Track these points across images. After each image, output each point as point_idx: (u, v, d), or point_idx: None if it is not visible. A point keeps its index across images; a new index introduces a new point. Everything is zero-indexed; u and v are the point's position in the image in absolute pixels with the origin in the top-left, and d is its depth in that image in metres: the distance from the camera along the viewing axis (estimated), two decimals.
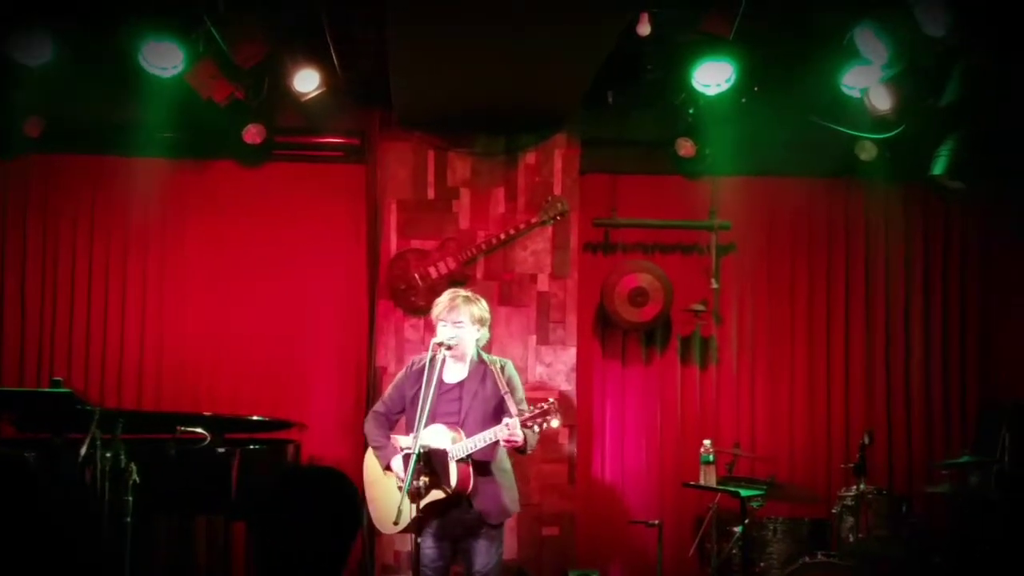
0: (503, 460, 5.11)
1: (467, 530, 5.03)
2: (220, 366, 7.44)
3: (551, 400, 4.87)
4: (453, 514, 4.98)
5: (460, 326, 5.04)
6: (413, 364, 5.23)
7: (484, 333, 5.16)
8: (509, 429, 4.80)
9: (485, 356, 5.16)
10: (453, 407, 5.03)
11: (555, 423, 4.84)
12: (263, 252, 7.50)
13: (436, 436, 4.91)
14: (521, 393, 5.11)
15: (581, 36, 5.70)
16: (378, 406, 5.30)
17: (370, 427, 5.23)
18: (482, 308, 5.13)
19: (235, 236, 7.51)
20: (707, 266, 7.66)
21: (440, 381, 4.98)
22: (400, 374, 5.30)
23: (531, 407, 4.87)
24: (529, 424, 4.82)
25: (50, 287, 7.39)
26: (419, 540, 4.81)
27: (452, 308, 5.05)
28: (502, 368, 5.11)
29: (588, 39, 5.79)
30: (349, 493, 2.34)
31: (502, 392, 4.99)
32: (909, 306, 7.80)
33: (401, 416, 5.24)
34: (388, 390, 5.33)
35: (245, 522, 6.72)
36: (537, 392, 7.03)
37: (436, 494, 4.85)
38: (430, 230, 7.29)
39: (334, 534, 2.36)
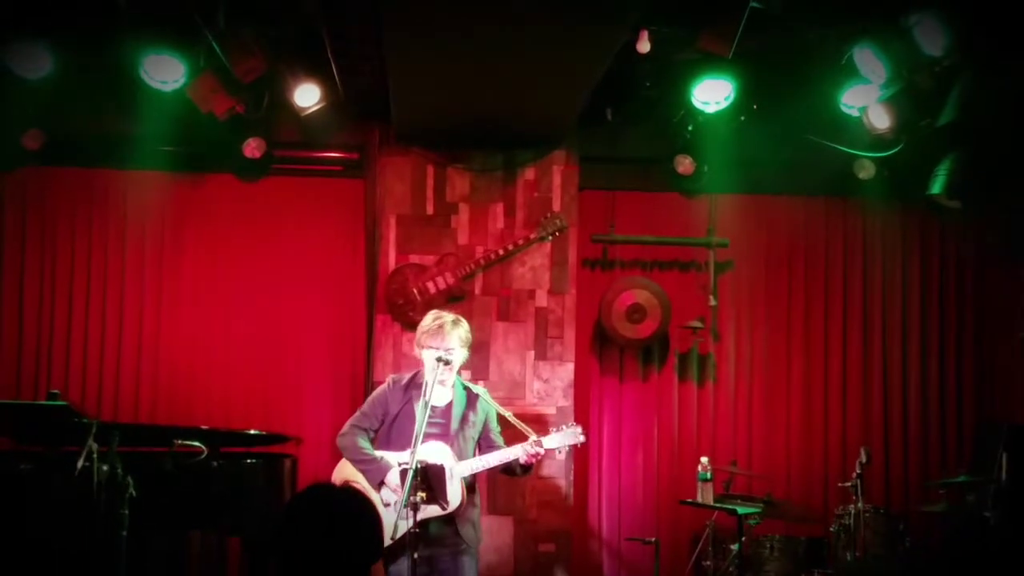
0: (476, 487, 5.20)
1: (448, 550, 5.03)
2: (216, 380, 7.43)
3: (574, 423, 5.07)
4: (432, 535, 4.97)
5: (451, 353, 5.06)
6: (394, 382, 5.23)
7: (466, 354, 5.20)
8: (536, 447, 4.92)
9: (466, 382, 5.23)
10: (441, 429, 5.06)
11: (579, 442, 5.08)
12: (261, 266, 7.50)
13: (436, 453, 4.91)
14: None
15: (579, 53, 5.70)
16: (359, 421, 5.20)
17: (353, 442, 5.14)
18: (467, 329, 5.17)
19: (233, 249, 7.50)
20: (705, 283, 7.67)
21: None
22: (380, 390, 5.27)
23: (554, 429, 5.06)
24: (554, 446, 5.00)
25: (48, 299, 7.37)
26: (415, 555, 4.80)
27: (440, 335, 5.05)
28: (485, 395, 5.22)
29: (586, 56, 5.79)
30: (372, 515, 2.31)
31: (496, 419, 5.17)
32: (906, 325, 7.81)
33: (377, 433, 5.22)
34: (368, 405, 5.27)
35: (241, 539, 6.69)
36: (535, 409, 7.05)
37: (432, 510, 4.85)
38: (429, 245, 7.29)
39: (354, 559, 2.37)
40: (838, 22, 6.30)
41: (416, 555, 4.93)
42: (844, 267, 7.83)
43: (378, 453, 5.10)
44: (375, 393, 5.33)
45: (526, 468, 5.05)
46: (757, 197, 7.81)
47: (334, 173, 7.60)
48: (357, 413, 5.31)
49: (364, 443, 5.14)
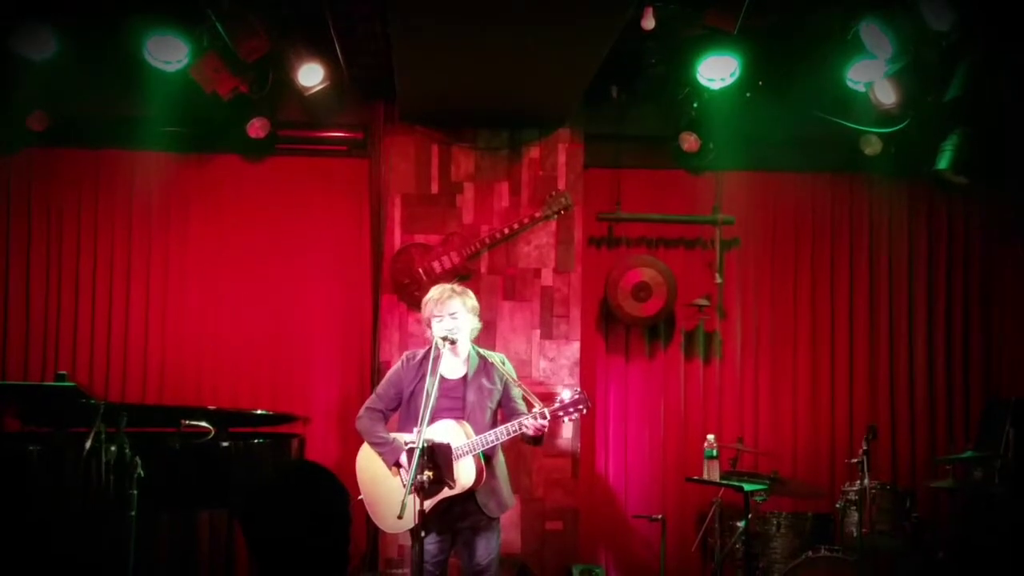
0: (500, 454, 5.14)
1: (469, 524, 5.04)
2: (223, 360, 7.45)
3: (579, 389, 4.92)
4: (456, 509, 4.99)
5: (456, 317, 5.04)
6: (408, 359, 5.21)
7: (478, 324, 5.17)
8: (541, 419, 4.84)
9: (481, 351, 5.17)
10: (456, 403, 5.04)
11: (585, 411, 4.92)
12: (266, 246, 7.50)
13: (447, 432, 4.90)
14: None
15: (583, 31, 5.68)
16: (373, 403, 5.22)
17: (368, 424, 5.15)
18: (473, 298, 5.16)
19: (238, 230, 7.51)
20: (711, 261, 7.66)
21: (440, 377, 4.97)
22: (394, 369, 5.27)
23: (560, 397, 4.92)
24: (560, 414, 4.87)
25: (54, 281, 7.39)
26: (423, 535, 4.81)
27: (444, 301, 5.06)
28: (502, 362, 5.14)
29: (590, 34, 5.77)
30: (335, 487, 2.34)
31: (515, 385, 5.08)
32: (913, 301, 7.80)
33: (395, 413, 5.22)
34: (382, 386, 5.28)
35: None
36: (541, 387, 7.05)
37: (444, 491, 4.84)
38: (434, 224, 7.29)
39: (324, 529, 2.38)
40: None
41: (441, 530, 5.00)
42: (850, 243, 7.81)
43: (393, 434, 5.11)
44: (389, 372, 5.32)
45: (536, 440, 5.00)
46: (763, 174, 7.79)
47: (339, 152, 7.59)
48: (372, 395, 5.33)
49: (378, 424, 5.14)
